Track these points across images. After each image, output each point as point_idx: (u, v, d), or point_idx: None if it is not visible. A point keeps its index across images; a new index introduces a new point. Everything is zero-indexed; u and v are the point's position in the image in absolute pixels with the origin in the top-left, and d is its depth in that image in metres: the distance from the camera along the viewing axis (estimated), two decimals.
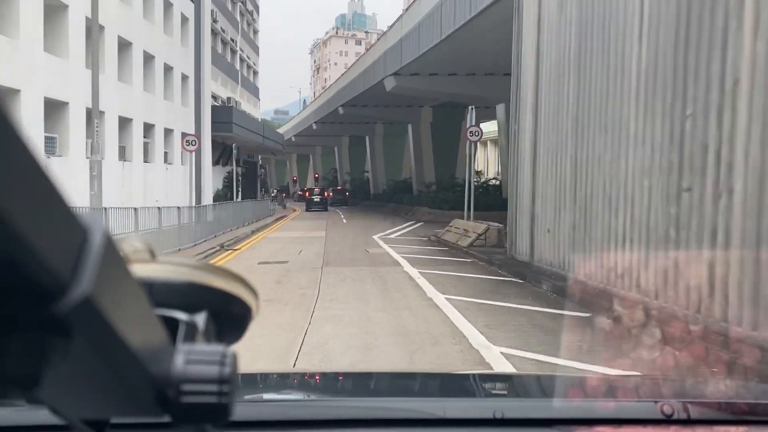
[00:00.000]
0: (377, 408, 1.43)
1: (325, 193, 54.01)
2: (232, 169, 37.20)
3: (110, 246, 0.39)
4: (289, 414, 1.40)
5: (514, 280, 12.10)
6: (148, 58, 23.03)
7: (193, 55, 28.02)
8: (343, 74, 48.18)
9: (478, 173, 46.05)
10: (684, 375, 5.01)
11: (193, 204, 21.23)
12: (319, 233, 25.06)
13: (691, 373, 5.65)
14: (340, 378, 2.27)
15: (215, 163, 34.99)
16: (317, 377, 2.30)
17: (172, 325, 0.50)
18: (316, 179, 78.56)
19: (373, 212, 45.05)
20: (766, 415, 1.42)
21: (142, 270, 0.50)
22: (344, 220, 36.10)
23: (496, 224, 17.40)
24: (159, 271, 0.51)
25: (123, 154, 20.90)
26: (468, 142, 20.26)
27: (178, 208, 17.12)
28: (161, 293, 0.50)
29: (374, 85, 36.65)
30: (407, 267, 13.88)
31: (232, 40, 46.58)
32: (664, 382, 2.11)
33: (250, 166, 52.04)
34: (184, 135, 19.63)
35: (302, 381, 2.19)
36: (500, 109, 33.75)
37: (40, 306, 0.35)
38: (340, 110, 47.44)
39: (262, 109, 52.29)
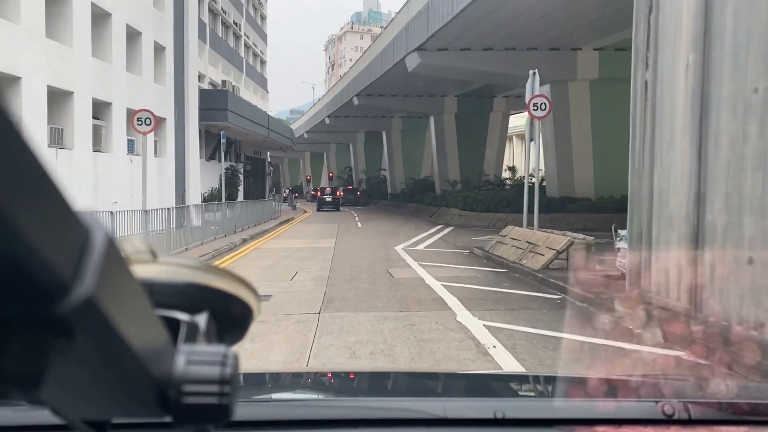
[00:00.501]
0: (377, 408, 1.40)
1: (337, 193, 50.01)
2: (230, 165, 31.68)
3: (112, 246, 0.38)
4: (290, 414, 1.36)
5: (683, 356, 6.28)
6: (102, 16, 17.41)
7: (173, 23, 22.42)
8: (358, 59, 42.41)
9: (512, 169, 40.20)
10: (685, 375, 4.02)
11: (154, 206, 15.56)
12: (327, 242, 19.38)
13: (692, 373, 4.82)
14: (341, 378, 2.22)
15: (210, 157, 29.43)
16: (318, 377, 2.26)
17: (173, 325, 0.49)
18: (330, 178, 73.07)
19: (391, 214, 39.37)
20: (767, 415, 1.38)
21: (143, 270, 0.49)
22: (359, 224, 30.34)
23: (581, 236, 11.60)
24: (160, 272, 0.51)
25: (58, 138, 15.25)
26: (534, 122, 14.34)
27: (112, 213, 11.48)
28: (162, 294, 0.50)
29: (394, 66, 30.90)
30: (462, 313, 8.12)
31: (236, 24, 41.08)
32: (665, 382, 1.80)
33: (257, 164, 46.57)
34: (144, 113, 13.89)
35: (303, 381, 2.17)
36: (545, 92, 27.94)
37: (42, 306, 0.35)
38: (355, 101, 41.74)
39: (278, 109, 46.22)
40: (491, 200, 27.09)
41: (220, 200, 23.28)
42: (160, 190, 19.89)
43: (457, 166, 41.86)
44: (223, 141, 23.75)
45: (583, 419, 1.34)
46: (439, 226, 26.36)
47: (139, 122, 13.50)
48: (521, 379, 2.41)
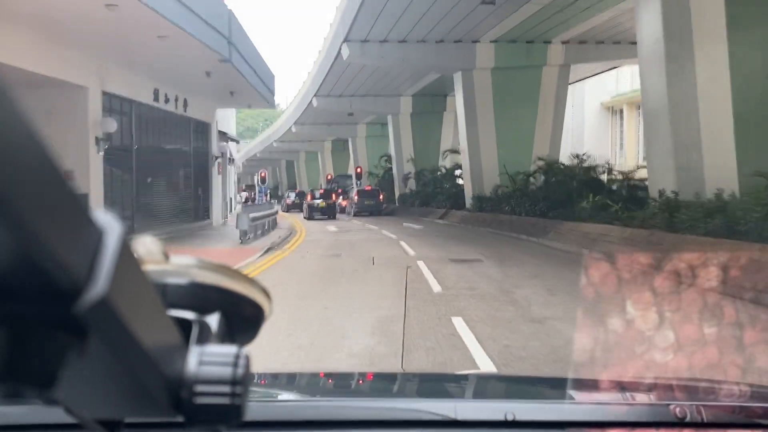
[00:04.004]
0: (389, 408, 1.34)
1: (333, 196, 34.46)
2: None
3: (125, 247, 0.38)
4: (301, 414, 1.31)
5: None
6: None
7: None
8: None
9: None
10: (698, 378, 2.93)
11: None
12: None
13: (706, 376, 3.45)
14: (353, 379, 2.12)
15: None
16: (329, 378, 2.13)
17: (185, 325, 0.47)
18: (359, 175, 44.10)
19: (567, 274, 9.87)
20: None
21: (156, 271, 0.48)
22: None
23: None
24: (172, 273, 0.49)
25: None
26: None
27: None
28: (174, 294, 0.49)
29: None
30: None
31: None
32: (678, 385, 1.70)
33: (178, 127, 17.62)
34: None
35: (313, 381, 2.06)
36: None
37: (57, 306, 0.34)
38: None
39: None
40: None
41: None
42: None
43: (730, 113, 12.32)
44: None
45: (595, 422, 1.27)
46: None
47: None
48: (533, 381, 2.25)
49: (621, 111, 40.46)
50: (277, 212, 25.16)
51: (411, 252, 13.42)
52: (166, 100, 17.55)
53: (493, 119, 25.15)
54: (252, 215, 14.78)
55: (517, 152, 24.49)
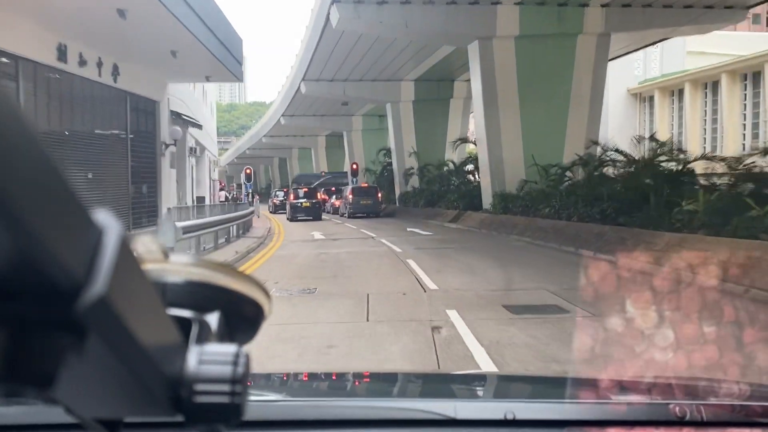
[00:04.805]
0: (388, 408, 1.31)
1: (318, 195, 30.31)
2: None
3: (125, 246, 0.37)
4: (300, 414, 1.26)
5: None
6: None
7: None
8: None
9: None
10: (697, 377, 2.96)
11: None
12: None
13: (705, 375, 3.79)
14: (352, 379, 2.06)
15: None
16: (329, 378, 2.09)
17: (185, 325, 0.47)
18: (354, 172, 39.13)
19: None
20: None
21: (155, 270, 0.48)
22: None
23: None
24: (172, 272, 0.49)
25: None
26: None
27: None
28: (174, 293, 0.48)
29: None
30: None
31: None
32: (677, 384, 1.64)
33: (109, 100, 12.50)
34: None
35: (314, 381, 2.04)
36: None
37: (56, 306, 0.34)
38: None
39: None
40: None
41: None
42: None
43: None
44: None
45: (595, 420, 1.23)
46: None
47: None
48: (532, 380, 2.19)
49: (651, 98, 35.47)
50: (251, 214, 20.11)
51: (429, 283, 8.38)
52: (82, 62, 12.45)
53: (518, 100, 20.14)
54: (185, 224, 9.76)
55: (547, 141, 19.52)
